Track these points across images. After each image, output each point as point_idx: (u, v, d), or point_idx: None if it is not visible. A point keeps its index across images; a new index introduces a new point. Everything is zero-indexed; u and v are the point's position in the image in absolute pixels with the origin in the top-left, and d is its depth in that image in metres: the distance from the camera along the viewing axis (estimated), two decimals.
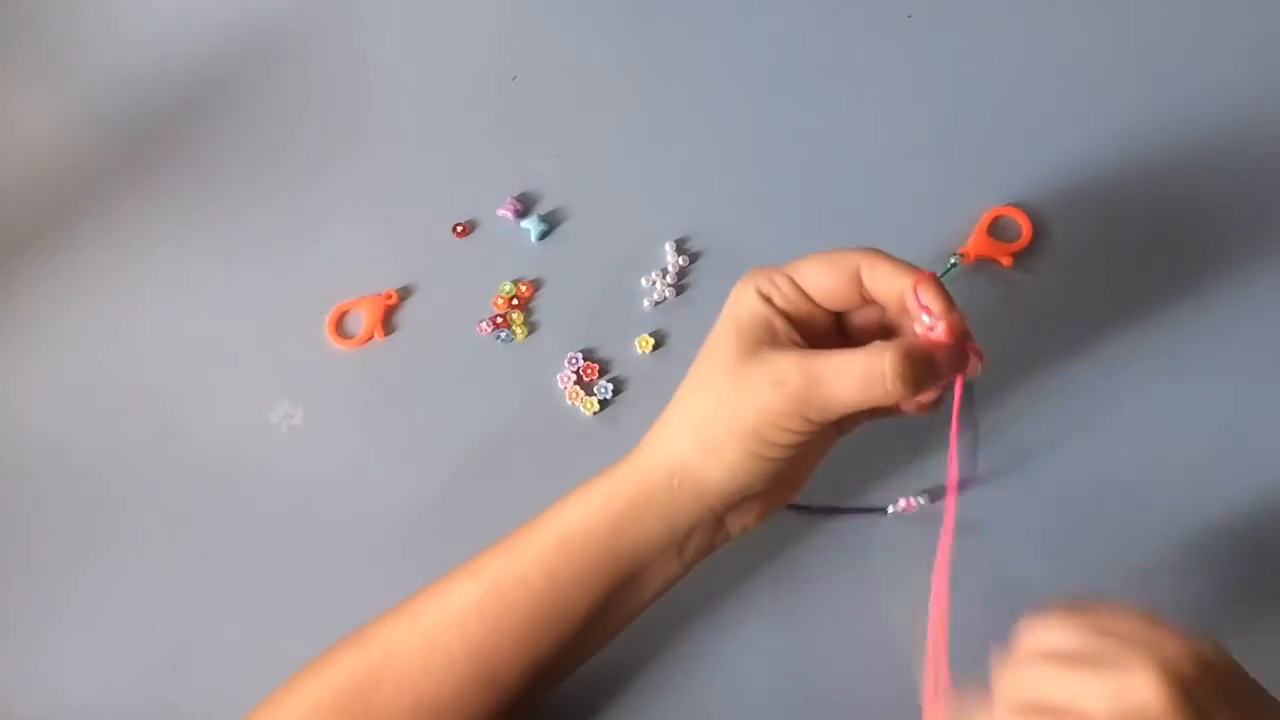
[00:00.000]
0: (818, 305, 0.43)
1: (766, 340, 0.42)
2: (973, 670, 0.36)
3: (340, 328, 0.56)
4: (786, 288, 0.42)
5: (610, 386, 0.53)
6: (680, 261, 0.56)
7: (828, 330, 0.44)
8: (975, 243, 0.54)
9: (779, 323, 0.42)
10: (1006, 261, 0.54)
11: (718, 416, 0.41)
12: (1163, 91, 0.58)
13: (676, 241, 0.56)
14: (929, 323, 0.40)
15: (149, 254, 0.59)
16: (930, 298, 0.40)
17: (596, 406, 0.53)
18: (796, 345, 0.42)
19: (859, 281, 0.42)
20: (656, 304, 0.55)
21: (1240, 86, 0.58)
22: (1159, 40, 0.59)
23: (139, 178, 0.61)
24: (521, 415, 0.53)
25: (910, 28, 0.61)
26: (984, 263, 0.54)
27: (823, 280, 0.42)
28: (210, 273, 0.59)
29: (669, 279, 0.56)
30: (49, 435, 0.55)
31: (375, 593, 0.50)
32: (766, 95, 0.61)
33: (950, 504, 0.42)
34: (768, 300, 0.42)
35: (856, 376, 0.39)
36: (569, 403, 0.53)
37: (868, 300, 0.42)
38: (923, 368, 0.39)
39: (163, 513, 0.53)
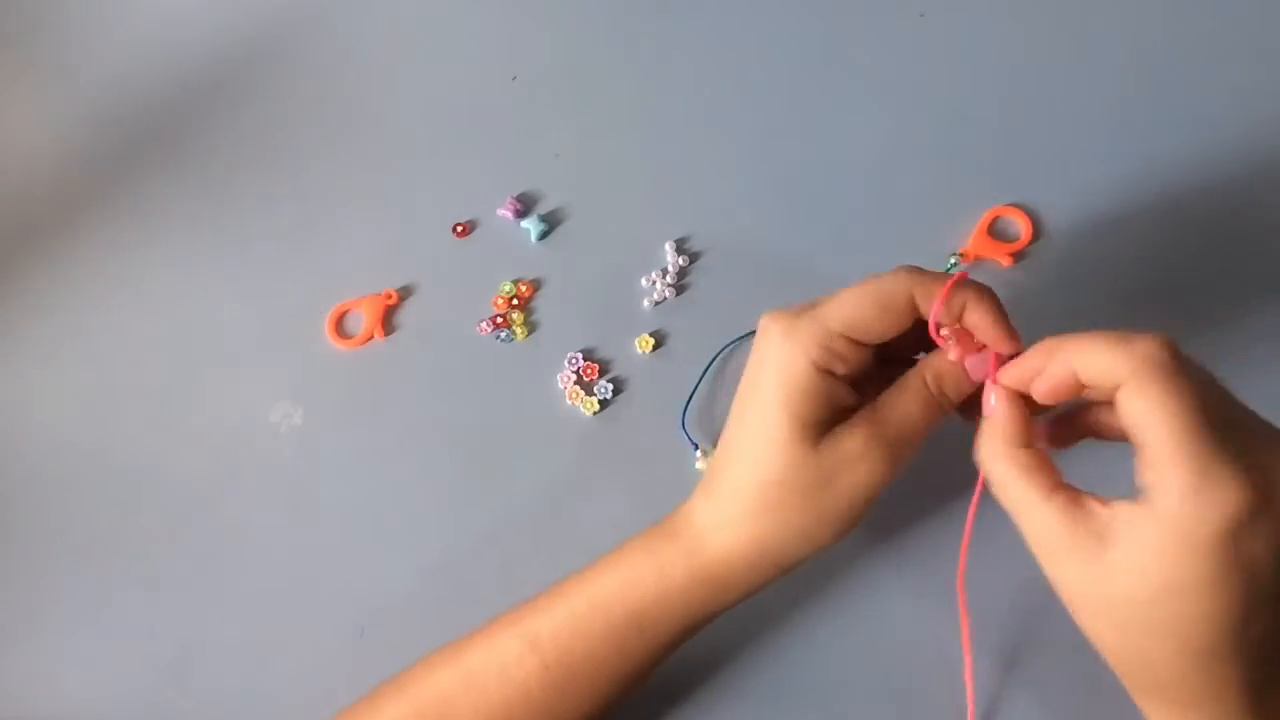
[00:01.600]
0: (866, 350, 0.41)
1: (827, 414, 0.40)
2: None
3: (340, 328, 0.56)
4: (844, 349, 0.40)
5: (610, 386, 0.53)
6: (680, 261, 0.56)
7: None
8: (975, 242, 0.54)
9: (840, 391, 0.40)
10: (1006, 262, 0.54)
11: (805, 507, 0.40)
12: (1165, 93, 0.58)
13: (676, 241, 0.56)
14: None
15: (149, 254, 0.59)
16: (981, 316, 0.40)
17: (596, 406, 0.53)
18: (848, 400, 0.41)
19: (908, 311, 0.40)
20: (656, 304, 0.55)
21: (1243, 87, 0.58)
22: (1162, 42, 0.59)
23: (139, 178, 0.61)
24: (521, 415, 0.53)
25: (915, 28, 0.61)
26: (983, 262, 0.54)
27: (876, 325, 0.40)
28: (211, 273, 0.59)
29: (669, 279, 0.56)
30: (49, 435, 0.55)
31: (375, 593, 0.50)
32: (767, 95, 0.61)
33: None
34: (827, 372, 0.40)
35: (920, 411, 0.41)
36: (569, 403, 0.53)
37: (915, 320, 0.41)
38: (959, 378, 0.41)
39: (163, 512, 0.53)
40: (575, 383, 0.53)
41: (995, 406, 0.39)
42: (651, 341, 0.54)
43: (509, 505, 0.51)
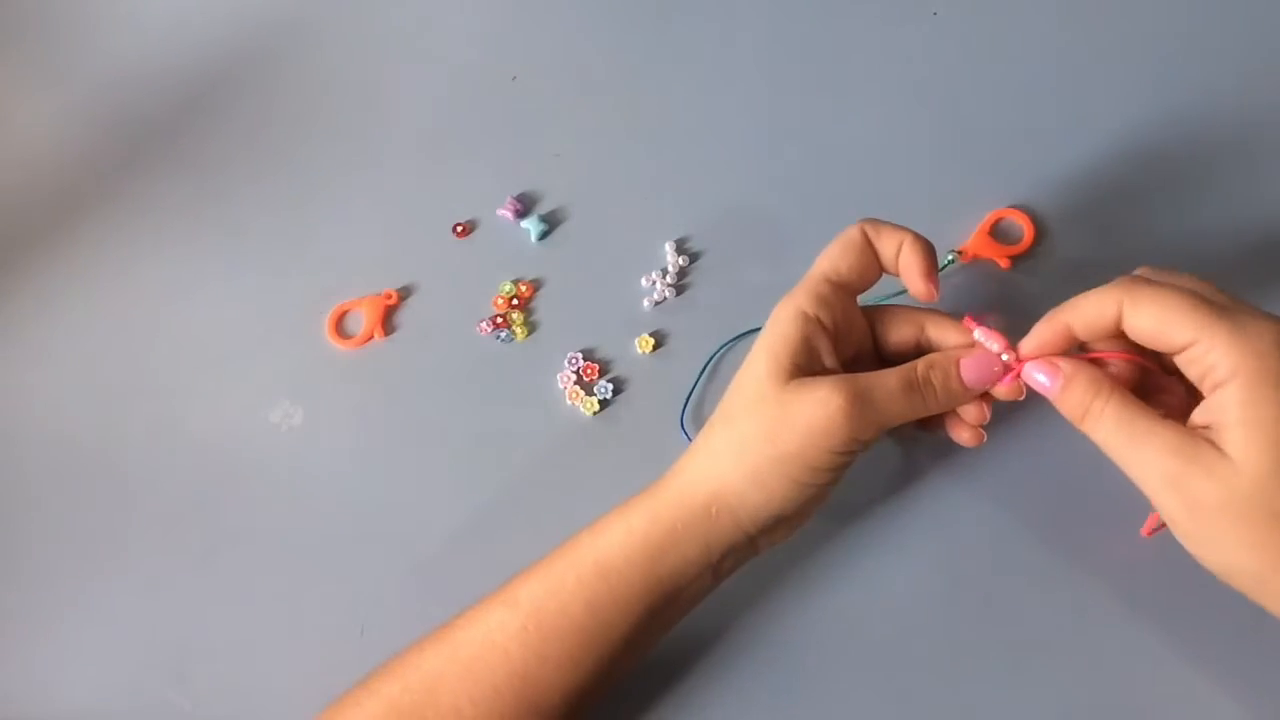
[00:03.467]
0: (853, 297, 0.45)
1: (805, 365, 0.42)
2: None
3: (340, 328, 0.56)
4: (826, 290, 0.43)
5: (610, 386, 0.53)
6: (680, 261, 0.56)
7: (867, 353, 0.46)
8: (975, 242, 0.54)
9: (822, 342, 0.43)
10: (1004, 263, 0.54)
11: (760, 445, 0.41)
12: (1171, 99, 0.58)
13: (676, 241, 0.56)
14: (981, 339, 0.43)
15: (149, 254, 0.59)
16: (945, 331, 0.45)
17: (596, 406, 0.53)
18: (829, 360, 0.43)
19: (865, 246, 0.44)
20: (656, 304, 0.55)
21: (1249, 92, 0.57)
22: (1168, 46, 0.59)
23: (139, 178, 0.61)
24: (521, 415, 0.53)
25: (925, 28, 0.61)
26: (982, 263, 0.54)
27: (843, 262, 0.44)
28: (211, 272, 0.59)
29: (669, 279, 0.56)
30: (49, 435, 0.55)
31: (375, 592, 0.50)
32: (767, 94, 0.61)
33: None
34: (814, 319, 0.43)
35: (900, 387, 0.42)
36: (569, 403, 0.53)
37: (885, 269, 0.45)
38: (955, 375, 0.43)
39: (163, 513, 0.53)
40: (575, 383, 0.53)
41: (1073, 366, 0.40)
42: (651, 341, 0.54)
43: (509, 505, 0.51)
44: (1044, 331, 0.41)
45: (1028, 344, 0.42)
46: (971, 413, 0.44)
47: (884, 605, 0.48)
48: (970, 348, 0.44)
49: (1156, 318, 0.38)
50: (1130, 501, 0.40)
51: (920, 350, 0.45)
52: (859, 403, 0.41)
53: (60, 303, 0.58)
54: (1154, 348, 0.39)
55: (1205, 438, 0.37)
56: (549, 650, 0.41)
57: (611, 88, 0.62)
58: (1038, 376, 0.41)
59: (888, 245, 0.44)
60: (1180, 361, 0.38)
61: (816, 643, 0.47)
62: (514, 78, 0.62)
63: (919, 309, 0.46)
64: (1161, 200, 0.55)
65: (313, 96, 0.63)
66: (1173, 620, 0.46)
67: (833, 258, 0.44)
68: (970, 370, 0.43)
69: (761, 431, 0.41)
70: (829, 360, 0.43)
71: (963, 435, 0.45)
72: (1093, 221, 0.55)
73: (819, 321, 0.43)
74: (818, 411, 0.41)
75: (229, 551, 0.52)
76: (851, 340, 0.45)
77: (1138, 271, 0.41)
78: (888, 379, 0.42)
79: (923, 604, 0.47)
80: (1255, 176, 0.55)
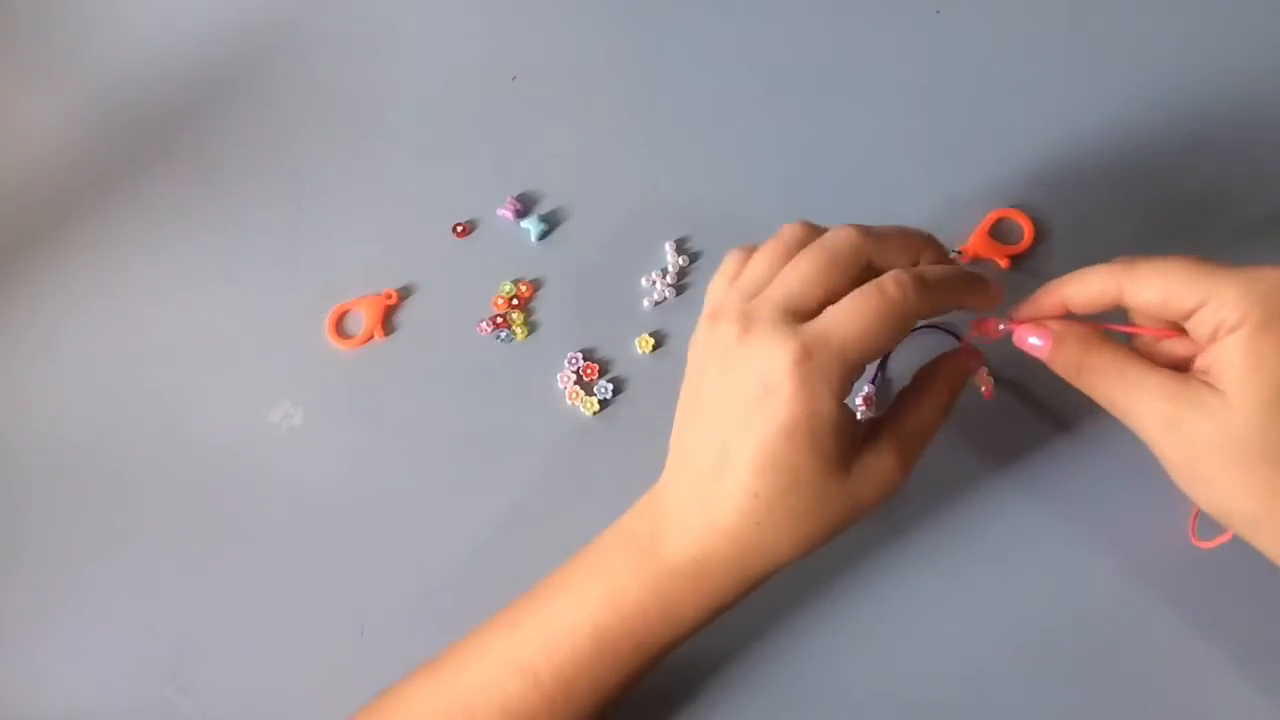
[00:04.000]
0: None
1: (849, 440, 0.40)
2: None
3: (340, 328, 0.56)
4: (859, 370, 0.39)
5: (610, 386, 0.53)
6: (680, 261, 0.56)
7: None
8: (975, 242, 0.54)
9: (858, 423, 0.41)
10: (1004, 263, 0.54)
11: (826, 531, 0.40)
12: (1173, 101, 0.58)
13: (676, 241, 0.56)
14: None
15: (149, 254, 0.59)
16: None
17: (596, 406, 0.53)
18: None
19: (912, 320, 0.40)
20: (656, 304, 0.55)
21: (1250, 94, 0.57)
22: (1170, 48, 0.59)
23: (139, 178, 0.61)
24: (521, 415, 0.53)
25: (926, 28, 0.61)
26: (981, 263, 0.54)
27: (890, 342, 0.40)
28: (210, 272, 0.59)
29: (669, 279, 0.56)
30: (49, 435, 0.55)
31: (375, 592, 0.50)
32: (768, 94, 0.61)
33: None
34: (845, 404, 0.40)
35: (935, 412, 0.43)
36: (569, 403, 0.53)
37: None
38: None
39: (163, 513, 0.53)
40: (575, 383, 0.53)
41: (1062, 325, 0.41)
42: (651, 341, 0.54)
43: (509, 505, 0.51)
44: (1041, 302, 0.42)
45: (1023, 311, 0.43)
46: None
47: (901, 617, 0.48)
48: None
49: (1161, 287, 0.38)
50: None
51: None
52: (916, 454, 0.42)
53: (59, 303, 0.58)
54: (1163, 317, 0.39)
55: (1200, 379, 0.37)
56: (553, 706, 0.41)
57: (611, 88, 0.62)
58: (1030, 340, 0.42)
59: (894, 260, 0.43)
60: (1192, 326, 0.38)
61: (821, 650, 0.47)
62: (514, 78, 0.62)
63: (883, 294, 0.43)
64: (1161, 201, 0.55)
65: (312, 96, 0.63)
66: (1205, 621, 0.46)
67: (877, 334, 0.39)
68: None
69: (832, 521, 0.40)
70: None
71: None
72: (1093, 221, 0.55)
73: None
74: (884, 490, 0.41)
75: (229, 551, 0.52)
76: None
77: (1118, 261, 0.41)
78: (926, 414, 0.42)
79: (936, 610, 0.47)
80: (1256, 177, 0.55)
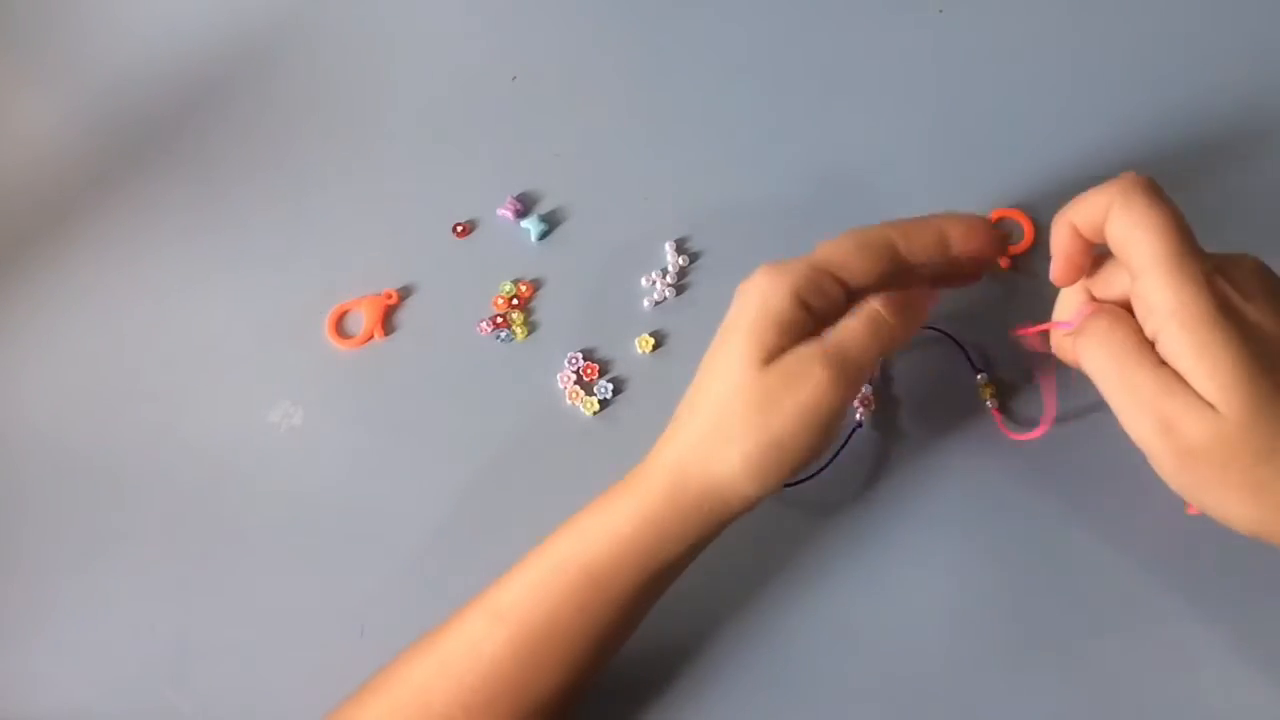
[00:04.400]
0: (846, 291, 0.43)
1: (791, 342, 0.42)
2: None
3: (340, 328, 0.56)
4: (830, 287, 0.42)
5: (610, 386, 0.53)
6: (680, 261, 0.56)
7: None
8: None
9: (809, 324, 0.42)
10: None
11: (756, 433, 0.41)
12: (1172, 101, 0.58)
13: (676, 241, 0.56)
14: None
15: (149, 254, 0.59)
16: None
17: (596, 406, 0.53)
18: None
19: (894, 257, 0.43)
20: (656, 304, 0.55)
21: (1250, 94, 0.57)
22: (1170, 48, 0.59)
23: (139, 178, 0.61)
24: (521, 415, 0.53)
25: (927, 28, 0.61)
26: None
27: (855, 261, 0.43)
28: (210, 273, 0.59)
29: (669, 279, 0.56)
30: (49, 435, 0.55)
31: (375, 592, 0.50)
32: (768, 94, 0.61)
33: None
34: (806, 306, 0.42)
35: (869, 336, 0.42)
36: (569, 403, 0.53)
37: (899, 273, 0.44)
38: (917, 300, 0.44)
39: (163, 513, 0.53)
40: (575, 383, 0.53)
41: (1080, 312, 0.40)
42: (651, 341, 0.54)
43: (509, 505, 0.51)
44: (1058, 238, 0.41)
45: (1055, 268, 0.42)
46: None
47: (894, 600, 0.48)
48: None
49: (1122, 234, 0.37)
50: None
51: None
52: (841, 368, 0.41)
53: (59, 303, 0.58)
54: (1120, 258, 0.38)
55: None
56: (541, 657, 0.41)
57: (611, 88, 0.62)
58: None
59: (921, 250, 0.44)
60: (1133, 291, 0.37)
61: (821, 641, 0.47)
62: (514, 78, 0.62)
63: (886, 229, 0.44)
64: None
65: (312, 96, 0.63)
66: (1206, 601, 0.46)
67: (845, 253, 0.43)
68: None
69: (753, 417, 0.41)
70: (808, 336, 0.42)
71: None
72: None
73: (808, 309, 0.42)
74: (805, 387, 0.40)
75: (229, 551, 0.52)
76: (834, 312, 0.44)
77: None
78: (855, 327, 0.42)
79: (931, 600, 0.47)
80: (1257, 177, 0.55)
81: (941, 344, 0.52)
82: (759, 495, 0.42)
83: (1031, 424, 0.49)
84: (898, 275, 0.44)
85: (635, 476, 0.43)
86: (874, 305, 0.43)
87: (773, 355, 0.41)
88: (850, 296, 0.44)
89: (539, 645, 0.41)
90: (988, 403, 0.50)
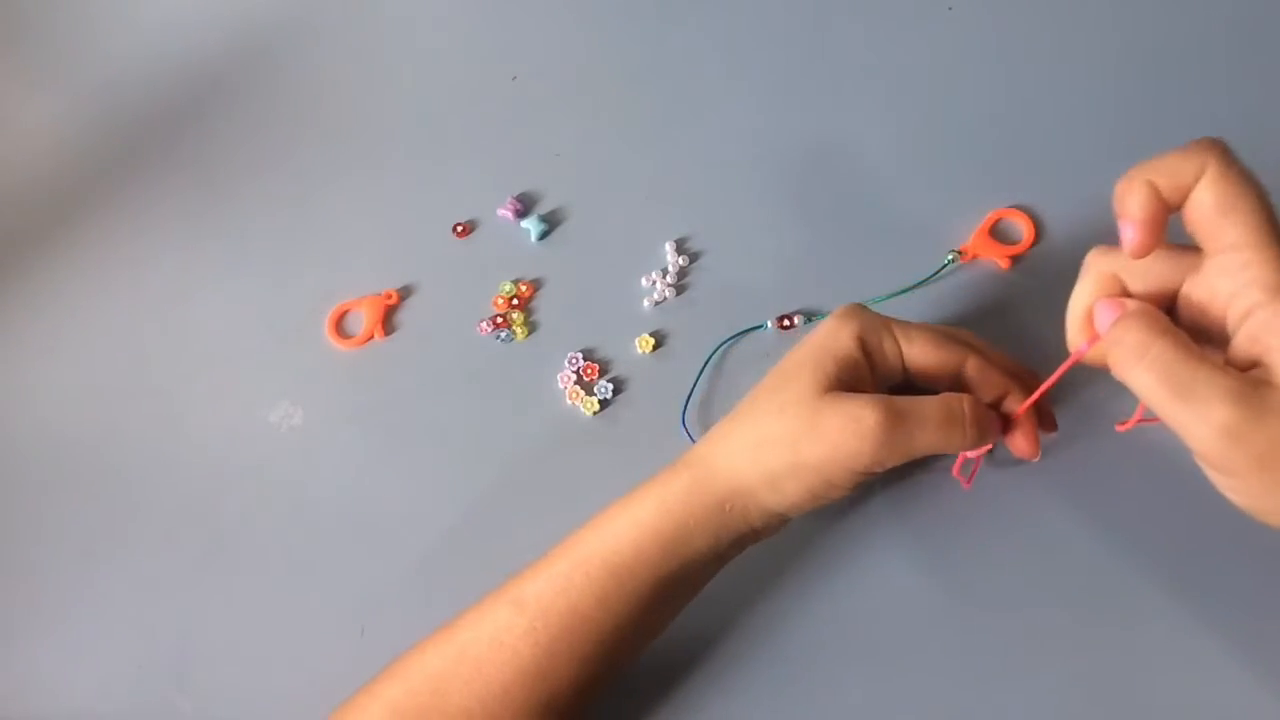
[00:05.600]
0: (902, 368, 0.44)
1: (849, 384, 0.42)
2: None
3: (340, 328, 0.56)
4: (891, 349, 0.43)
5: (610, 386, 0.53)
6: (680, 261, 0.56)
7: (899, 385, 0.45)
8: (975, 242, 0.54)
9: (868, 373, 0.43)
10: (1004, 263, 0.54)
11: (782, 449, 0.41)
12: (1173, 101, 0.58)
13: (676, 241, 0.56)
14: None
15: (150, 255, 0.59)
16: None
17: (596, 406, 0.53)
18: (872, 388, 0.43)
19: (957, 370, 0.44)
20: (656, 304, 0.55)
21: (1250, 95, 0.57)
22: (1172, 49, 0.59)
23: (139, 179, 0.62)
24: (521, 415, 0.53)
25: (923, 29, 0.61)
26: (982, 263, 0.54)
27: (927, 358, 0.44)
28: (210, 273, 0.59)
29: (669, 279, 0.56)
30: (50, 435, 0.55)
31: (375, 592, 0.50)
32: (768, 94, 0.61)
33: None
34: (867, 351, 0.43)
35: (938, 419, 0.41)
36: (569, 403, 0.53)
37: (960, 384, 0.44)
38: (991, 421, 0.43)
39: (163, 513, 0.53)
40: (575, 383, 0.53)
41: (1126, 310, 0.36)
42: (651, 341, 0.54)
43: (509, 505, 0.51)
44: (1136, 201, 0.35)
45: (1136, 237, 0.35)
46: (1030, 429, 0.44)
47: (890, 598, 0.48)
48: (1002, 397, 0.44)
49: (1222, 202, 0.33)
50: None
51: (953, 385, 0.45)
52: (893, 426, 0.40)
53: (60, 303, 0.58)
54: (1195, 231, 0.34)
55: (1262, 379, 0.32)
56: (559, 648, 0.41)
57: (611, 88, 0.62)
58: (1101, 316, 0.37)
59: (989, 388, 0.44)
60: (1211, 266, 0.34)
61: (824, 641, 0.47)
62: (514, 78, 0.62)
63: (959, 341, 0.45)
64: None
65: (313, 96, 0.63)
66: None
67: (923, 348, 0.44)
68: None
69: (787, 435, 0.41)
70: (868, 388, 0.43)
71: (1019, 444, 0.45)
72: (1093, 221, 0.55)
73: (871, 353, 0.43)
74: (849, 428, 0.40)
75: (229, 551, 0.52)
76: (891, 380, 0.45)
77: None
78: (927, 407, 0.41)
79: (926, 597, 0.47)
80: (1259, 177, 0.55)
81: None
82: (780, 513, 0.43)
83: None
84: (957, 386, 0.45)
85: (669, 474, 0.43)
86: (956, 397, 0.43)
87: (831, 388, 0.42)
88: (908, 377, 0.45)
89: (558, 637, 0.41)
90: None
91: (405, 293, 0.57)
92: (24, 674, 0.50)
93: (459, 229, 0.58)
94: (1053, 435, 0.47)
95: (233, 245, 0.59)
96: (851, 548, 0.49)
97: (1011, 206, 0.55)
